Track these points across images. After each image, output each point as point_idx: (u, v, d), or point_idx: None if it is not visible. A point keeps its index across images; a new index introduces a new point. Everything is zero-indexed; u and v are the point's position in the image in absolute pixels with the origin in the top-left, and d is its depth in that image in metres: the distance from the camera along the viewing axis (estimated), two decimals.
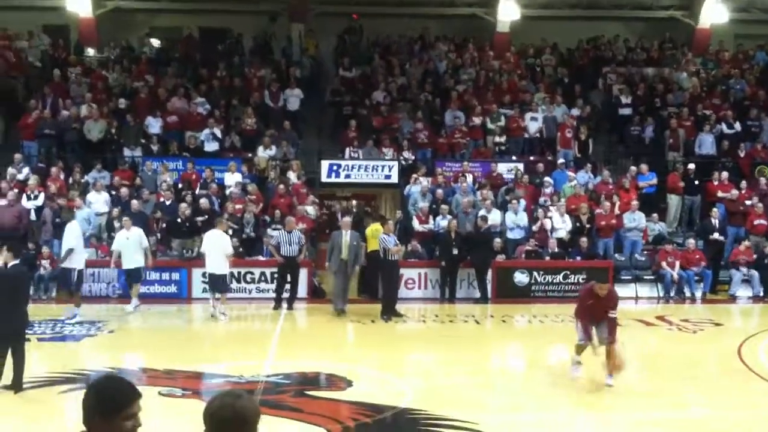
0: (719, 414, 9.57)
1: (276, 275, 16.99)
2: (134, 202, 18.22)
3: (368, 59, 25.95)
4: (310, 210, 19.19)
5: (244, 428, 3.19)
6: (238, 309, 16.60)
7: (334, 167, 21.32)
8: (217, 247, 15.71)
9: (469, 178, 20.72)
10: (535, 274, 18.21)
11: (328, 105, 24.32)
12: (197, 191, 19.67)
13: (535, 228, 19.13)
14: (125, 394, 3.29)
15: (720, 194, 20.33)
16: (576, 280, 18.07)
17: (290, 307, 16.58)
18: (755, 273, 18.59)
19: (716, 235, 19.25)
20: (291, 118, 23.06)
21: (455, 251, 17.71)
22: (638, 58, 26.68)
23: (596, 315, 10.56)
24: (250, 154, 21.70)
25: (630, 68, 25.91)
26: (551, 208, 19.42)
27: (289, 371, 11.05)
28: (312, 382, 10.65)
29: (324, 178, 21.32)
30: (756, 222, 19.42)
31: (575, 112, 23.41)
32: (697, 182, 20.92)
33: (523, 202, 19.47)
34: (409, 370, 12.26)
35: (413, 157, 21.87)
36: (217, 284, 15.74)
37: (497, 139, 22.74)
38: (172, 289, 17.66)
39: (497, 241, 18.44)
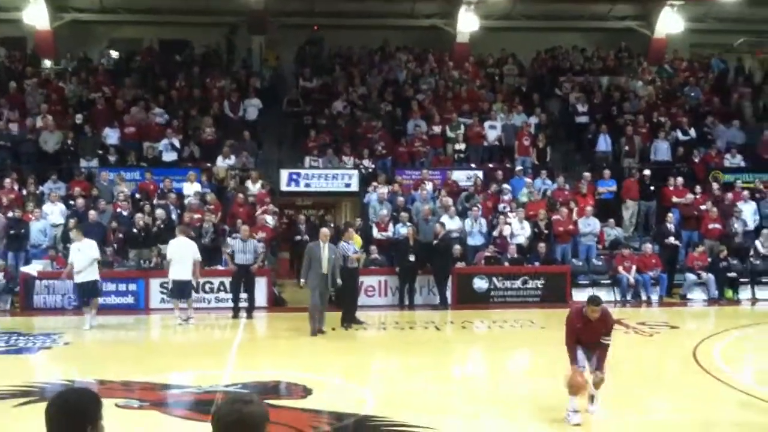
0: (676, 416, 9.69)
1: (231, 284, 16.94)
2: (91, 213, 18.05)
3: (329, 70, 26.00)
4: (269, 219, 19.12)
5: None
6: (197, 318, 16.43)
7: (294, 176, 21.30)
8: (185, 254, 15.67)
9: (429, 185, 20.81)
10: (494, 279, 18.33)
11: (288, 115, 24.28)
12: (155, 201, 19.50)
13: (494, 234, 19.26)
14: (96, 403, 3.24)
15: (675, 199, 20.64)
16: (535, 286, 18.29)
17: (249, 316, 16.47)
18: (710, 276, 18.88)
19: (671, 240, 19.54)
20: (250, 128, 23.00)
21: (412, 258, 17.76)
22: (595, 68, 27.05)
23: (585, 341, 9.08)
24: (209, 164, 21.58)
25: (587, 77, 26.26)
26: (510, 214, 19.57)
27: (247, 381, 10.96)
28: (271, 391, 10.57)
29: (284, 187, 21.29)
30: (710, 226, 19.74)
31: (533, 120, 23.66)
32: (653, 188, 21.22)
33: (480, 208, 19.61)
34: (370, 377, 12.25)
35: (373, 166, 21.92)
36: (185, 290, 15.77)
37: (457, 147, 22.88)
38: (129, 300, 17.44)
39: (457, 247, 18.53)
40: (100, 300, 16.14)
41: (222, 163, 21.37)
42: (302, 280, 14.87)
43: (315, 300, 14.49)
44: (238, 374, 11.55)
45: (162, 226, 17.96)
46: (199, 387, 10.79)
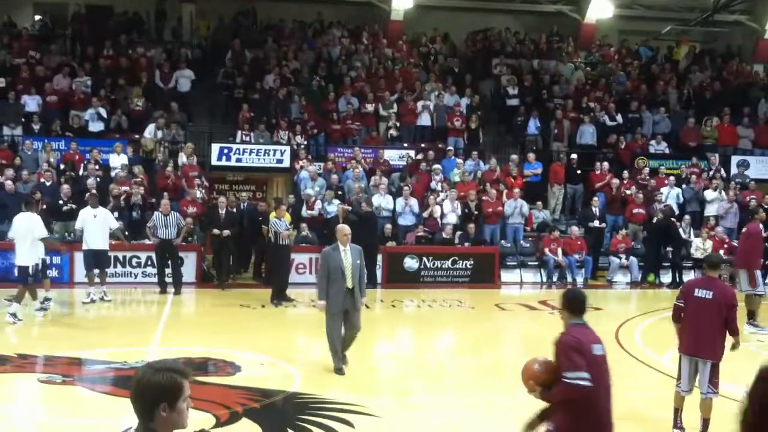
0: None
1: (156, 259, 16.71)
2: (8, 183, 17.52)
3: (261, 43, 25.66)
4: (198, 194, 18.85)
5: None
6: (123, 293, 16.19)
7: (225, 150, 21.04)
8: (99, 222, 15.25)
9: (361, 164, 20.81)
10: (424, 259, 18.49)
11: (220, 88, 23.92)
12: (81, 172, 19.04)
13: (425, 215, 19.39)
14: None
15: (600, 184, 21.09)
16: (464, 266, 18.51)
17: (177, 292, 16.28)
18: (633, 260, 19.41)
19: (596, 223, 19.99)
20: (181, 99, 22.59)
21: None
22: (526, 51, 27.35)
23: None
24: (137, 136, 21.14)
25: (518, 60, 26.54)
26: (441, 194, 19.74)
27: (175, 357, 10.85)
28: (199, 368, 10.48)
29: (214, 162, 21.01)
30: (635, 211, 20.24)
31: (465, 101, 23.83)
32: (579, 172, 21.64)
33: (413, 188, 19.74)
34: (299, 354, 12.29)
35: (305, 143, 21.80)
36: (101, 260, 15.39)
37: (389, 125, 22.91)
38: (53, 273, 16.99)
39: (387, 227, 18.62)
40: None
41: (149, 134, 20.94)
42: (320, 302, 10.44)
43: (335, 324, 10.38)
44: (164, 350, 11.43)
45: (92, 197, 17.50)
46: (125, 362, 10.64)
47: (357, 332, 10.48)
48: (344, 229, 10.65)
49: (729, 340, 8.15)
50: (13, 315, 13.21)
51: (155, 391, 3.20)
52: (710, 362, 7.97)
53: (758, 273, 14.33)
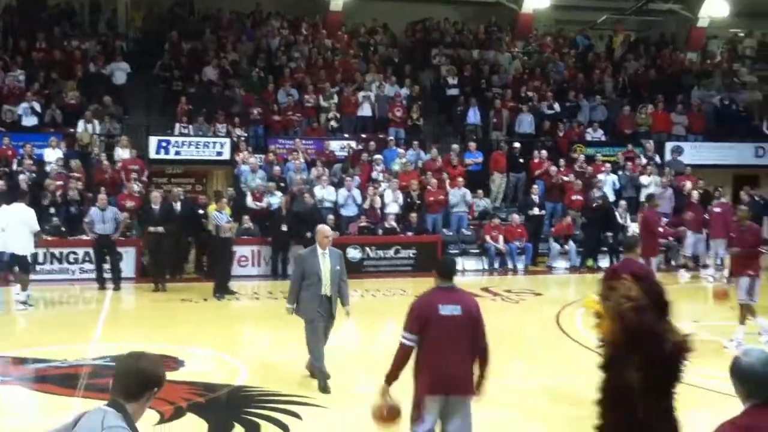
0: (540, 380, 10.12)
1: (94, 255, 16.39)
2: None
3: (198, 34, 25.31)
4: (136, 187, 18.53)
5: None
6: (60, 291, 15.86)
7: (163, 143, 20.74)
8: (20, 222, 14.09)
9: (303, 155, 20.73)
10: (367, 249, 18.53)
11: (158, 80, 23.53)
12: (14, 167, 18.58)
13: (366, 205, 19.42)
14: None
15: (538, 172, 21.36)
16: (407, 255, 18.60)
17: (117, 287, 16.03)
18: (572, 245, 19.74)
19: (536, 210, 20.26)
20: (116, 92, 22.17)
21: (285, 227, 17.71)
22: (465, 41, 27.51)
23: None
24: (72, 129, 20.70)
25: (457, 50, 26.69)
26: (383, 184, 19.78)
27: (116, 353, 10.67)
28: None
29: (153, 155, 20.68)
30: (573, 197, 20.57)
31: (405, 91, 23.89)
32: (522, 160, 21.89)
33: (357, 179, 19.76)
34: (243, 348, 12.22)
35: (245, 135, 21.61)
36: (21, 266, 14.34)
37: (330, 116, 22.85)
38: None
39: (330, 217, 18.57)
40: None
41: (83, 128, 20.50)
42: (288, 305, 9.58)
43: (316, 335, 9.40)
44: (105, 347, 11.25)
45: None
46: (65, 360, 10.45)
47: (324, 343, 9.49)
48: (325, 230, 9.71)
49: None
50: (24, 303, 13.94)
51: (153, 377, 3.49)
52: None
53: (653, 260, 14.63)
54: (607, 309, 4.27)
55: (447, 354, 6.06)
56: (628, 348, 4.72)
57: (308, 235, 16.19)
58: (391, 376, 6.23)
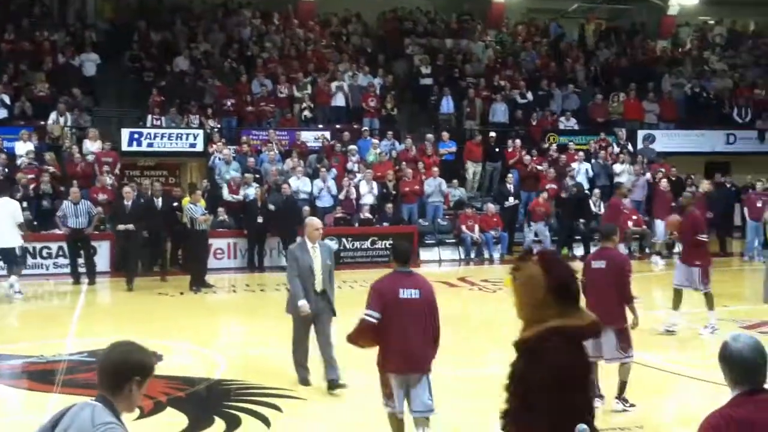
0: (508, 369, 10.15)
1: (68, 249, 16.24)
2: None
3: (169, 25, 25.07)
4: (109, 180, 18.36)
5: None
6: (35, 286, 15.69)
7: (136, 135, 20.56)
8: (6, 215, 14.19)
9: (276, 146, 20.64)
10: (344, 240, 18.51)
11: (128, 71, 23.28)
12: None
13: (341, 196, 19.40)
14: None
15: (513, 161, 21.44)
16: (383, 246, 18.57)
17: (92, 282, 15.89)
18: (547, 234, 19.79)
19: (511, 200, 20.35)
20: (87, 83, 21.92)
21: (260, 219, 17.64)
22: (438, 30, 27.50)
23: None
24: (42, 122, 20.45)
25: (430, 39, 26.67)
26: (358, 175, 19.76)
27: (93, 348, 10.58)
28: None
29: (125, 147, 20.48)
30: (547, 186, 20.66)
31: (379, 81, 23.85)
32: (498, 149, 21.95)
33: (333, 170, 19.72)
34: (221, 341, 12.17)
35: (218, 126, 21.48)
36: (10, 258, 14.56)
37: (303, 107, 22.76)
38: None
39: (306, 209, 18.54)
40: None
41: (53, 121, 20.26)
42: (301, 301, 8.87)
43: (303, 331, 9.13)
44: (82, 342, 11.15)
45: None
46: (41, 356, 10.36)
47: (329, 339, 9.06)
48: (315, 223, 9.24)
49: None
50: (18, 292, 14.24)
51: (134, 366, 3.33)
52: (612, 330, 8.05)
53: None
54: (513, 287, 4.40)
55: (408, 335, 6.47)
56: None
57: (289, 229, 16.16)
58: (350, 339, 6.82)
